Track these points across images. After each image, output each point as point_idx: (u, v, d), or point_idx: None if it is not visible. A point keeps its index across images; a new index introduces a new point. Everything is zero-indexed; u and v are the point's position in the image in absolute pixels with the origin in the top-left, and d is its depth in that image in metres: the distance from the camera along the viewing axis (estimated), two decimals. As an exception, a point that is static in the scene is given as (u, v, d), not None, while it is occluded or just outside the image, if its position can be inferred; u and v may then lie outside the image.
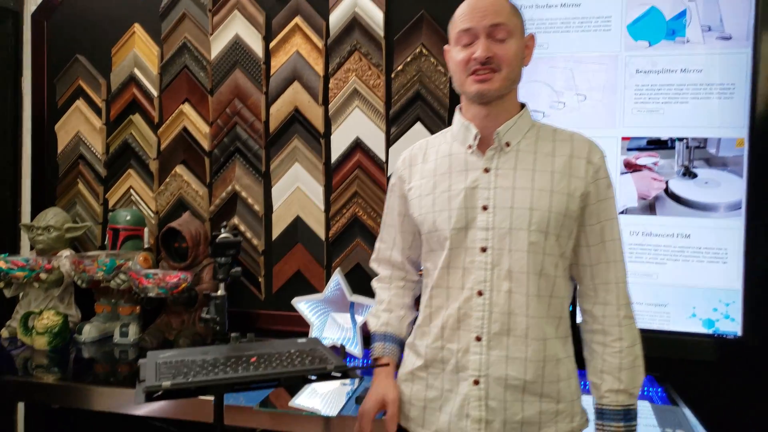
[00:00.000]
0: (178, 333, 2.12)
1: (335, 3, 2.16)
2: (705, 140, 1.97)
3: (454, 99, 2.11)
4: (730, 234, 1.95)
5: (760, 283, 1.88)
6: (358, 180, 2.16)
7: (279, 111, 2.23)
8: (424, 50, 2.09)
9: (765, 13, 1.85)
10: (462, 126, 1.27)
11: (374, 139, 2.15)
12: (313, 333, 2.09)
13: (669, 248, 2.01)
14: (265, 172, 2.26)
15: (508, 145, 1.22)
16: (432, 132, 2.13)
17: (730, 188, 1.96)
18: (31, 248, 2.26)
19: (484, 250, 1.19)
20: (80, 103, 2.36)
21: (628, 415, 1.17)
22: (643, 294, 2.01)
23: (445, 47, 1.29)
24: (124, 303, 2.20)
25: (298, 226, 2.25)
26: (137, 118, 2.34)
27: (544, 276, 1.19)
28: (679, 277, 1.99)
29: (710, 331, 1.96)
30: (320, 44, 2.17)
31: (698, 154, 1.99)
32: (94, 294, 2.23)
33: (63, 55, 2.38)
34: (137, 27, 2.31)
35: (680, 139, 1.99)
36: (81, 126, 2.37)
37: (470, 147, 1.24)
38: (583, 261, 1.24)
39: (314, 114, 2.19)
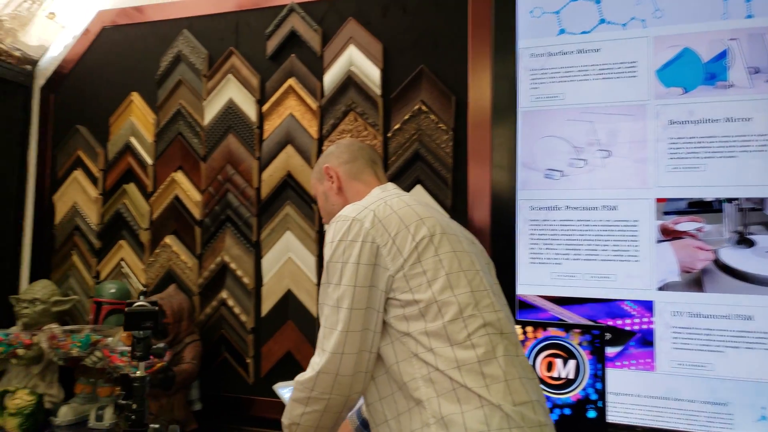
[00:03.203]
0: (155, 418, 1.89)
1: (330, 62, 1.96)
2: (762, 200, 1.59)
3: (459, 159, 1.84)
4: (804, 316, 1.52)
5: None
6: (355, 250, 1.90)
7: (271, 176, 1.98)
8: (423, 107, 1.86)
9: (825, 48, 1.50)
10: None
11: (374, 204, 1.90)
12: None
13: (725, 333, 1.58)
14: (255, 241, 2.00)
15: None
16: (433, 195, 1.87)
17: (800, 258, 1.55)
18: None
19: None
20: (78, 174, 2.21)
21: None
22: (694, 390, 1.58)
23: None
24: (103, 383, 1.97)
25: (289, 301, 1.94)
26: (131, 187, 2.15)
27: None
28: (742, 368, 1.56)
29: (788, 441, 1.50)
30: (314, 105, 1.94)
31: (754, 217, 1.59)
32: (74, 372, 2.05)
33: (66, 126, 2.26)
34: (135, 95, 2.16)
35: (729, 200, 1.62)
36: (77, 196, 2.21)
37: None
38: None
39: (307, 179, 1.92)
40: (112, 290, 2.01)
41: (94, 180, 2.23)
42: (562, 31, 1.78)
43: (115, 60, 2.24)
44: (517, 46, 1.80)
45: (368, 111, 1.90)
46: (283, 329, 1.96)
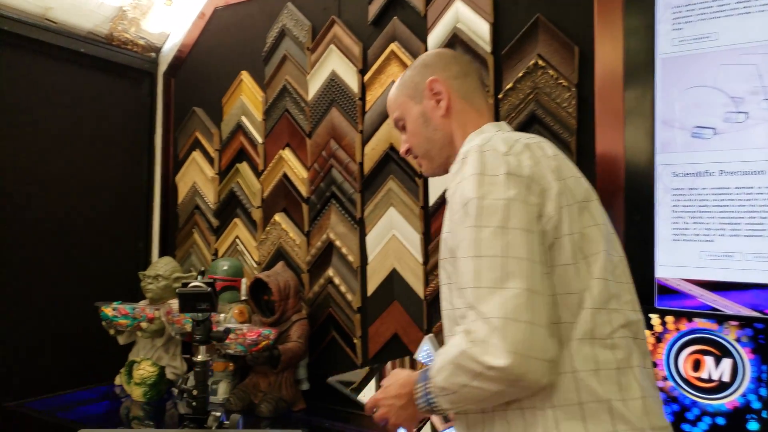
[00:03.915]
0: (264, 396, 1.89)
1: (434, 21, 1.79)
2: None
3: (584, 119, 1.59)
4: None
5: None
6: (464, 226, 1.74)
7: (374, 150, 1.88)
8: (540, 61, 1.62)
9: None
10: None
11: (485, 176, 1.72)
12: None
13: None
14: (360, 218, 1.93)
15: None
16: (552, 163, 1.64)
17: None
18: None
19: None
20: (197, 154, 2.30)
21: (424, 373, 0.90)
22: None
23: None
24: (217, 358, 2.04)
25: (394, 280, 1.84)
26: (243, 166, 2.19)
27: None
28: None
29: None
30: (418, 70, 1.84)
31: None
32: (192, 346, 2.13)
33: (185, 109, 2.36)
34: (244, 74, 2.18)
35: None
36: (197, 176, 2.30)
37: None
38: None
39: (412, 150, 1.85)
40: (225, 267, 2.06)
41: (210, 160, 2.31)
42: (715, -45, 1.45)
43: (227, 40, 2.28)
44: (655, -21, 1.50)
45: (477, 72, 1.71)
46: (389, 310, 1.87)
